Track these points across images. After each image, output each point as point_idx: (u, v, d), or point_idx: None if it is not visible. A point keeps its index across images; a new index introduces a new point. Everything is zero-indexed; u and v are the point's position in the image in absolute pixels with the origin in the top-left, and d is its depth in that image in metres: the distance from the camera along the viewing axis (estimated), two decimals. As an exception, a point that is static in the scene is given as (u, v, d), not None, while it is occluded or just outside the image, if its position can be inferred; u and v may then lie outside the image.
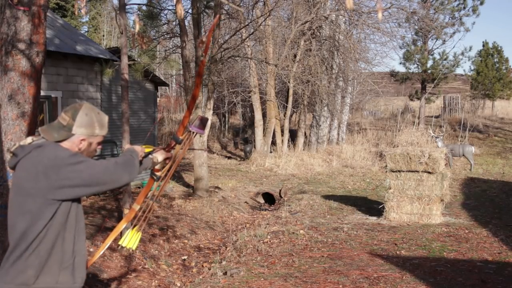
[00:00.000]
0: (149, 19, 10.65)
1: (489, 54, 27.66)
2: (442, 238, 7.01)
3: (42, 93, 7.68)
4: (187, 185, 12.23)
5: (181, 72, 14.25)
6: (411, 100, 26.92)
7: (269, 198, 12.29)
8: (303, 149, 19.39)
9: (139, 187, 10.79)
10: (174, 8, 10.67)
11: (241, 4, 15.27)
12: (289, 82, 18.14)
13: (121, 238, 2.59)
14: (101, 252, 2.55)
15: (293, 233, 7.53)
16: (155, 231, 7.66)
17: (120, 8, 6.85)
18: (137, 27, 6.95)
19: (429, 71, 23.60)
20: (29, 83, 3.65)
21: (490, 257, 6.02)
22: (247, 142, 21.42)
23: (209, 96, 11.72)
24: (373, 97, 28.38)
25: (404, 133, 19.01)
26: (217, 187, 11.93)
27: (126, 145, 3.04)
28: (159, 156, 2.52)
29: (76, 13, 26.17)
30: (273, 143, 19.34)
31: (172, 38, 13.46)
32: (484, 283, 5.01)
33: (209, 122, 9.66)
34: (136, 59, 10.64)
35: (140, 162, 2.36)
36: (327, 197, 10.92)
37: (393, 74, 25.84)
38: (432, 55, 23.94)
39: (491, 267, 5.59)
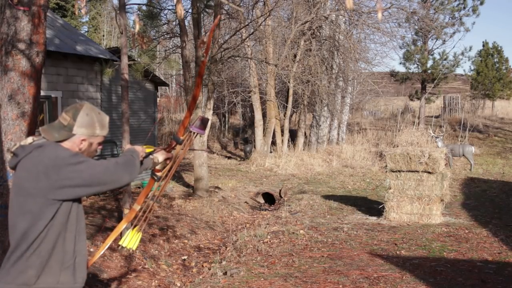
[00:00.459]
0: (149, 19, 10.65)
1: (489, 54, 27.64)
2: (442, 238, 7.01)
3: (42, 93, 7.69)
4: (187, 185, 12.23)
5: (181, 72, 14.27)
6: (411, 100, 26.91)
7: (269, 198, 12.28)
8: (303, 149, 19.38)
9: (139, 187, 10.79)
10: (174, 8, 10.68)
11: (241, 4, 15.26)
12: (289, 82, 18.14)
13: (121, 238, 2.59)
14: (102, 252, 2.55)
15: (293, 233, 7.53)
16: (155, 231, 7.66)
17: (120, 8, 6.85)
18: (137, 27, 6.95)
19: (429, 71, 23.59)
20: (29, 83, 3.65)
21: (490, 257, 6.02)
22: (247, 142, 21.41)
23: (209, 96, 11.72)
24: (373, 97, 28.37)
25: (404, 133, 19.01)
26: (217, 187, 11.93)
27: (127, 145, 3.04)
28: (160, 156, 2.52)
29: (76, 13, 26.19)
30: (273, 143, 19.34)
31: (172, 38, 13.47)
32: (484, 283, 5.02)
33: (209, 123, 9.66)
34: (136, 59, 10.64)
35: (141, 162, 2.37)
36: (327, 197, 10.92)
37: (393, 74, 25.83)
38: (432, 55, 23.94)
39: (491, 267, 5.59)
